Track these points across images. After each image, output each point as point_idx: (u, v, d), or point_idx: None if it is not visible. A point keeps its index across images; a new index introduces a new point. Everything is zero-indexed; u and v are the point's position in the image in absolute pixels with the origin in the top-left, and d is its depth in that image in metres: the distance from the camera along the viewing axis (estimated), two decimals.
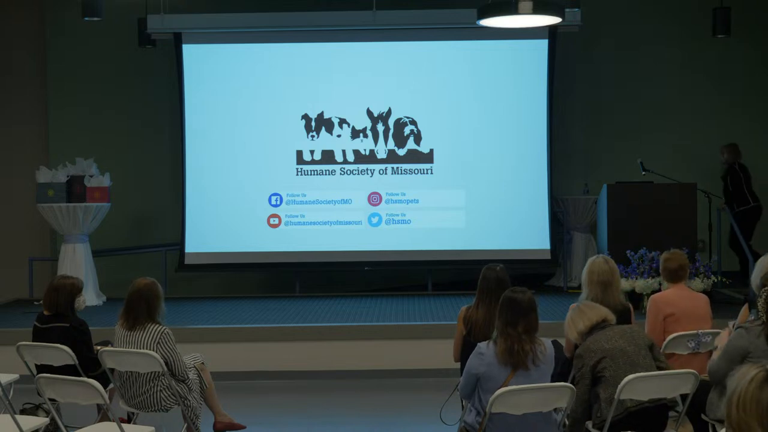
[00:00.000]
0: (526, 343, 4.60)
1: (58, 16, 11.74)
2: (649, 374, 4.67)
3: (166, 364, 5.48)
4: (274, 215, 10.92)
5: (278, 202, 10.92)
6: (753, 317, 5.06)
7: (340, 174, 10.91)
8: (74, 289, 6.00)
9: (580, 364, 4.82)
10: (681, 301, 5.85)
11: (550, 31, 10.59)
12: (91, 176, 10.23)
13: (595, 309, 4.99)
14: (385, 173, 10.91)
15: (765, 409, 2.62)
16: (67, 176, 10.20)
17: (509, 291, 4.79)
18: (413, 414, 7.13)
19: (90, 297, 10.03)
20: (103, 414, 5.73)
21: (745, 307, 5.84)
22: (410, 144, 10.89)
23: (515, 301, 4.68)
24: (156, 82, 11.65)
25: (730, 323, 5.09)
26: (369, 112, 10.88)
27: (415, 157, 10.88)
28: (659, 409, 4.82)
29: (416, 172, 10.88)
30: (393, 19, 10.64)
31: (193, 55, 10.95)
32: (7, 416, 5.09)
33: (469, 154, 10.90)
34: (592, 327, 4.90)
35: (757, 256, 7.57)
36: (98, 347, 5.87)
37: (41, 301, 6.19)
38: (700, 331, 5.67)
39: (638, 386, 4.65)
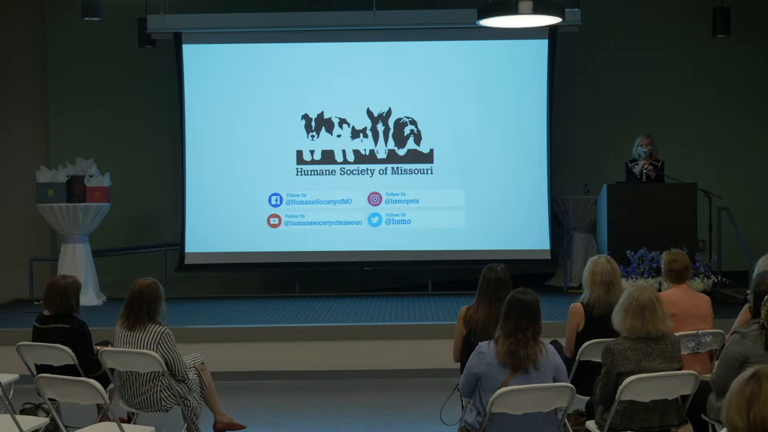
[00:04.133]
0: (531, 347, 4.58)
1: (58, 16, 11.74)
2: (649, 375, 4.67)
3: (166, 364, 5.48)
4: (274, 215, 10.92)
5: (278, 202, 10.92)
6: (748, 301, 5.06)
7: (340, 174, 10.91)
8: (79, 286, 6.03)
9: (609, 360, 4.76)
10: (683, 300, 5.85)
11: (550, 32, 10.59)
12: (91, 176, 10.23)
13: (646, 321, 4.73)
14: (385, 173, 10.91)
15: (746, 402, 2.67)
16: (67, 176, 10.21)
17: (517, 292, 4.73)
18: (413, 414, 7.13)
19: (90, 297, 10.04)
20: (103, 414, 5.73)
21: (745, 307, 5.85)
22: (410, 144, 10.89)
23: (525, 304, 4.64)
24: (156, 82, 11.65)
25: None
26: (369, 112, 10.88)
27: (415, 157, 10.88)
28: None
29: (416, 172, 10.89)
30: (393, 19, 10.64)
31: (193, 55, 10.95)
32: (7, 416, 5.10)
33: (469, 154, 10.91)
34: (634, 335, 4.78)
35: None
36: (98, 347, 5.87)
37: (41, 302, 6.18)
38: (700, 331, 5.67)
39: (639, 387, 4.64)
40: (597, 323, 5.62)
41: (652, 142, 9.60)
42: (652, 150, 9.57)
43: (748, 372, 2.73)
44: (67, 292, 5.91)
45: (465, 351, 5.43)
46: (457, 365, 5.67)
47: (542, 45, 10.76)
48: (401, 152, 10.90)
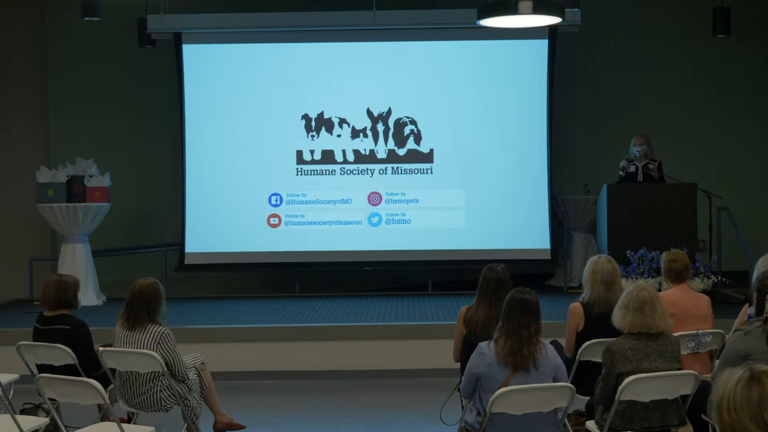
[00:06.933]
0: (534, 344, 4.59)
1: (58, 16, 11.74)
2: (649, 375, 4.66)
3: (167, 364, 5.48)
4: (274, 215, 10.92)
5: (278, 202, 10.92)
6: (750, 310, 5.05)
7: (340, 174, 10.91)
8: (77, 283, 6.03)
9: (609, 360, 4.77)
10: (683, 300, 5.86)
11: (550, 32, 10.59)
12: (91, 176, 10.24)
13: (645, 317, 4.76)
14: (385, 173, 10.91)
15: (756, 407, 2.60)
16: (67, 176, 10.21)
17: (517, 292, 4.74)
18: (413, 414, 7.13)
19: (90, 297, 10.04)
20: (103, 414, 5.73)
21: (745, 307, 5.85)
22: (410, 144, 10.89)
23: (526, 302, 4.65)
24: (156, 82, 11.65)
25: None
26: (369, 112, 10.89)
27: (415, 157, 10.89)
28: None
29: (416, 172, 10.89)
30: (393, 19, 10.64)
31: (193, 55, 10.95)
32: (7, 416, 5.10)
33: (469, 154, 10.91)
34: (634, 330, 4.80)
35: None
36: (99, 348, 5.86)
37: (40, 302, 6.18)
38: (700, 331, 5.67)
39: (639, 387, 4.64)
40: (597, 323, 5.62)
41: (647, 141, 9.53)
42: (647, 149, 9.51)
43: (746, 374, 2.64)
44: (62, 286, 5.91)
45: (465, 351, 5.43)
46: (457, 365, 5.67)
47: (542, 45, 10.76)
48: (401, 152, 10.90)
